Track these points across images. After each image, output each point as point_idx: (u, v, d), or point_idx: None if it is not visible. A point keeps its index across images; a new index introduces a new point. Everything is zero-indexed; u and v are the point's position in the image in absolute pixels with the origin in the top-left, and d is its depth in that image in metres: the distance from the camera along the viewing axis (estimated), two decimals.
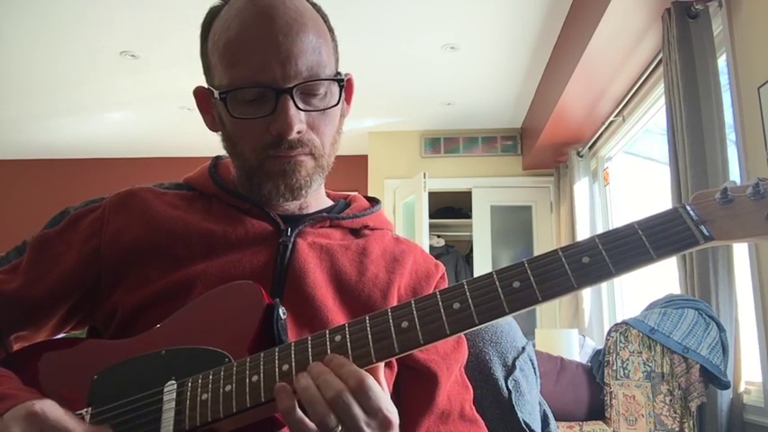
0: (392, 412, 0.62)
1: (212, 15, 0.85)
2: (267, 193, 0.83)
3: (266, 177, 0.82)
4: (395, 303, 0.84)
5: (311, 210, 0.90)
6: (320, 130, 0.82)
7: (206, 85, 0.86)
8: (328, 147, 0.84)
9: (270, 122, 0.78)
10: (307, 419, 0.61)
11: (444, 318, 0.63)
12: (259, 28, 0.77)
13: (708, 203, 0.62)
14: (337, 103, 0.83)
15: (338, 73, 0.85)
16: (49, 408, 0.64)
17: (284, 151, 0.80)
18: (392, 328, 0.64)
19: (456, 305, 0.63)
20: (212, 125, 0.88)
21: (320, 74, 0.80)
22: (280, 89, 0.77)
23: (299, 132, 0.79)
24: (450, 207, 5.51)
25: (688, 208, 0.62)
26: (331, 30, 0.86)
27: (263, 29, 0.77)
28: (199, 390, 0.67)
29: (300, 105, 0.79)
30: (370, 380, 0.61)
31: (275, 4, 0.78)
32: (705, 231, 0.61)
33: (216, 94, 0.80)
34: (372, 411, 0.60)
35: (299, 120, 0.78)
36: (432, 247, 5.08)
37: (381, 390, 0.63)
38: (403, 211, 4.84)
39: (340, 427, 0.60)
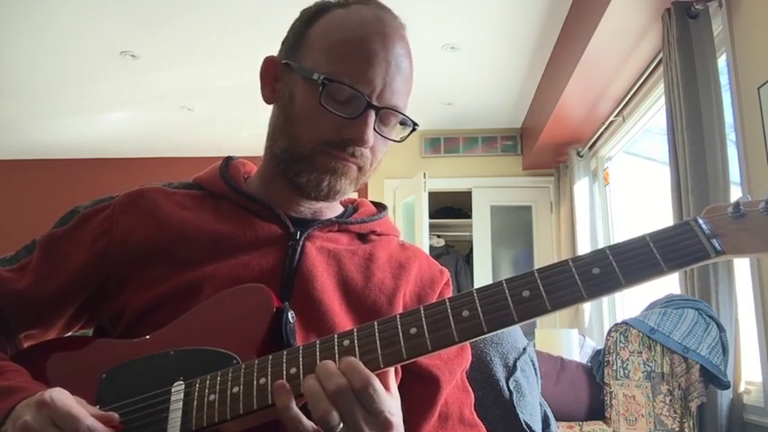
0: (394, 414, 0.63)
1: (329, 6, 0.87)
2: (305, 183, 0.84)
3: (312, 168, 0.83)
4: (400, 309, 0.84)
5: (324, 217, 0.91)
6: (375, 153, 0.86)
7: (279, 58, 0.88)
8: (372, 169, 0.88)
9: (346, 125, 0.81)
10: (303, 417, 0.62)
11: (453, 325, 0.63)
12: (379, 46, 0.82)
13: (720, 217, 0.62)
14: (398, 141, 0.88)
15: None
16: (58, 395, 0.64)
17: (344, 155, 0.82)
18: (400, 334, 0.64)
19: (465, 313, 0.63)
20: (270, 97, 0.89)
21: (403, 109, 0.86)
22: (371, 104, 0.81)
23: (367, 147, 0.83)
24: (450, 207, 5.51)
25: (700, 221, 0.62)
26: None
27: (383, 50, 0.82)
28: (206, 390, 0.67)
29: (376, 126, 0.83)
30: (376, 381, 0.62)
31: (397, 34, 0.85)
32: (716, 245, 0.61)
33: (315, 76, 0.81)
34: (375, 412, 0.61)
35: (372, 136, 0.82)
36: (432, 248, 5.08)
37: (386, 392, 0.63)
38: (403, 211, 4.84)
39: (342, 425, 0.60)
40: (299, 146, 0.84)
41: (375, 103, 0.81)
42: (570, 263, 0.63)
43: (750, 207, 0.62)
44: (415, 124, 0.88)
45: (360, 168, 0.85)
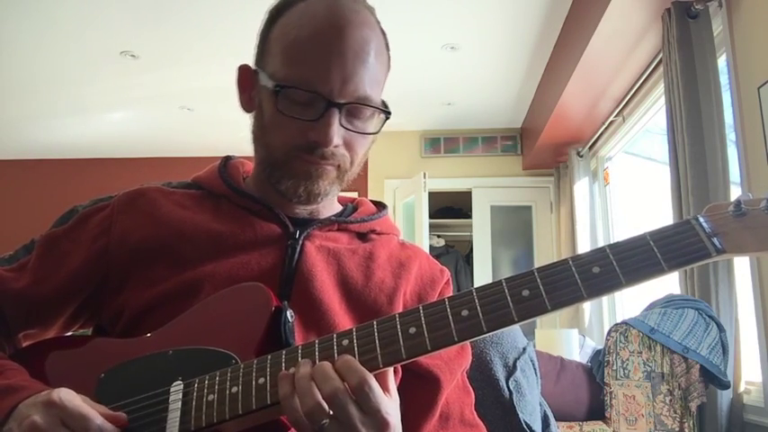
0: (391, 414, 0.62)
1: (286, 4, 0.85)
2: (285, 190, 0.84)
3: (289, 174, 0.83)
4: (400, 309, 0.84)
5: (321, 216, 0.91)
6: (353, 149, 0.84)
7: (252, 65, 0.87)
8: (356, 165, 0.86)
9: (310, 128, 0.79)
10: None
11: (452, 325, 0.63)
12: (332, 39, 0.79)
13: (721, 216, 0.62)
14: (377, 132, 0.85)
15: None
16: (66, 395, 0.64)
17: (315, 158, 0.81)
18: (400, 334, 0.64)
19: (464, 312, 0.63)
20: (247, 105, 0.89)
21: (371, 99, 0.82)
22: (331, 102, 0.78)
23: (335, 146, 0.81)
24: (450, 207, 5.51)
25: (701, 220, 0.62)
26: (389, 51, 0.88)
27: (336, 41, 0.79)
28: (205, 390, 0.67)
29: (344, 122, 0.80)
30: (372, 380, 0.62)
31: (352, 20, 0.80)
32: (717, 244, 0.60)
33: (270, 84, 0.80)
34: (371, 411, 0.61)
35: (338, 135, 0.80)
36: (432, 248, 5.08)
37: (383, 392, 0.63)
38: (403, 211, 4.84)
39: (327, 421, 0.60)
40: (273, 154, 0.84)
41: (337, 99, 0.78)
42: (570, 262, 0.63)
43: (751, 205, 0.61)
44: (387, 112, 0.84)
45: (338, 167, 0.83)
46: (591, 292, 0.61)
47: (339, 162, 0.83)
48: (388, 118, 0.85)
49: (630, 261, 0.61)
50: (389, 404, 0.63)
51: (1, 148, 5.37)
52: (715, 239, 0.61)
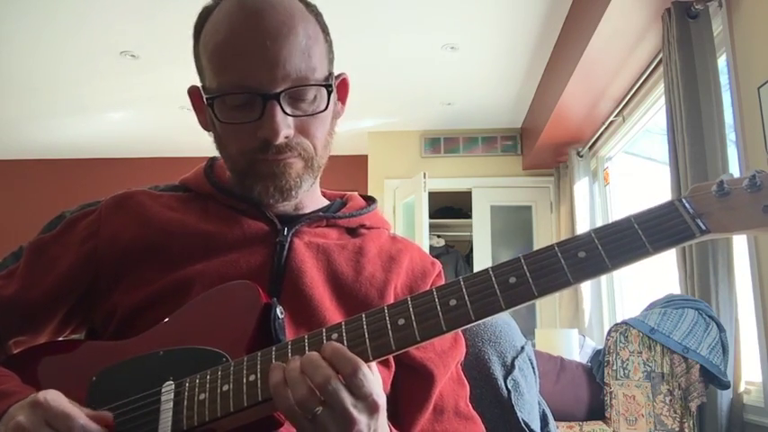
0: (381, 396, 0.63)
1: (204, 16, 0.84)
2: (258, 195, 0.84)
3: (256, 179, 0.82)
4: (391, 302, 0.84)
5: (307, 210, 0.90)
6: (310, 133, 0.82)
7: (200, 85, 0.86)
8: (320, 149, 0.84)
9: (258, 127, 0.78)
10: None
11: (441, 314, 0.63)
12: (246, 32, 0.77)
13: (704, 196, 0.62)
14: (326, 108, 0.83)
15: (330, 74, 0.85)
16: (52, 396, 0.64)
17: (272, 156, 0.80)
18: (389, 326, 0.64)
19: (452, 301, 0.63)
20: (205, 125, 0.88)
21: (309, 78, 0.79)
22: (267, 95, 0.77)
23: (286, 138, 0.79)
24: (450, 207, 5.51)
25: (684, 201, 0.62)
26: (324, 30, 0.85)
27: (251, 33, 0.77)
28: (196, 390, 0.67)
29: (288, 110, 0.79)
30: (365, 367, 0.62)
31: (263, 7, 0.78)
32: (701, 224, 0.60)
33: (205, 99, 0.80)
34: (363, 396, 0.61)
35: (286, 125, 0.78)
36: (432, 248, 5.08)
37: (374, 376, 0.63)
38: (403, 211, 4.84)
39: (320, 409, 0.60)
40: (235, 164, 0.83)
41: (271, 90, 0.77)
42: (556, 248, 0.63)
43: (734, 185, 0.61)
44: (328, 86, 0.81)
45: (301, 156, 0.82)
46: (577, 276, 0.61)
47: (300, 151, 0.81)
48: (330, 92, 0.82)
49: (615, 244, 0.61)
50: (379, 387, 0.63)
51: (1, 148, 5.37)
52: (698, 220, 0.61)
